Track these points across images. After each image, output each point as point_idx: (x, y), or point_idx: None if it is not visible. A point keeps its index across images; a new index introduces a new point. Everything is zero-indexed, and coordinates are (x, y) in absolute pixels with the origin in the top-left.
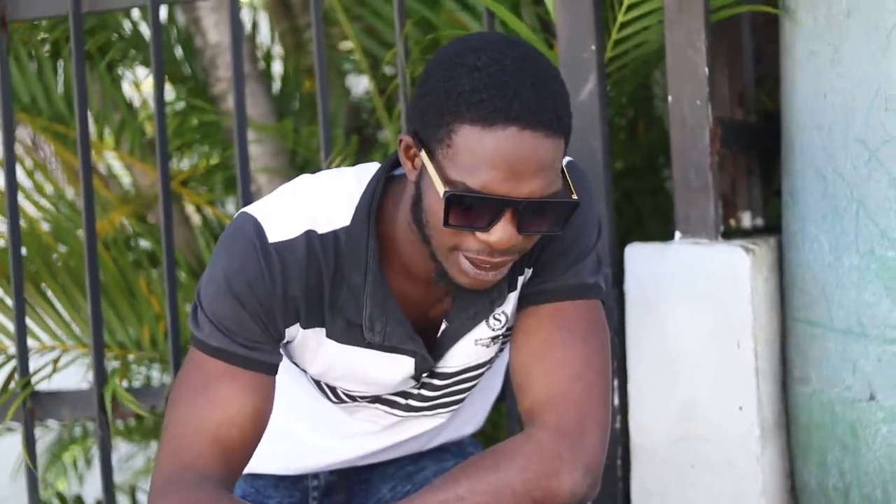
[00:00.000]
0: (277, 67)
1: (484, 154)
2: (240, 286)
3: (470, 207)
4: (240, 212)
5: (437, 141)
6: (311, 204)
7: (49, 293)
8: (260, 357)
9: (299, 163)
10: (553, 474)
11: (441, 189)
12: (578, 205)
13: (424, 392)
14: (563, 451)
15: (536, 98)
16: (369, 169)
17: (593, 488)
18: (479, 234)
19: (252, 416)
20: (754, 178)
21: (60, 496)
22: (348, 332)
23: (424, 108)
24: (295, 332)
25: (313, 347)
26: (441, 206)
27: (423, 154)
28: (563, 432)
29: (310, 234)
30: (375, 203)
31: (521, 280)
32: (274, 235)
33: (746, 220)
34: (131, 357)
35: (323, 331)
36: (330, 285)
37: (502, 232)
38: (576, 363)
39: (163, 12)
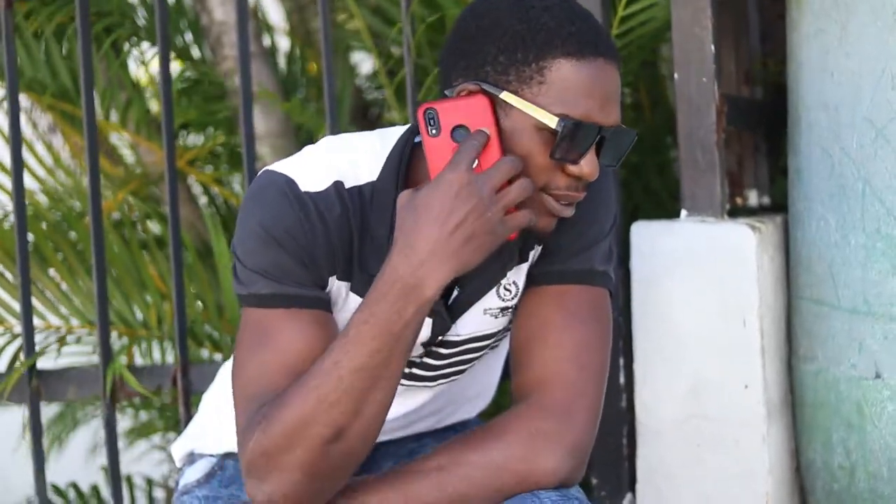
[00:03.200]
0: (284, 45)
1: (582, 84)
2: (279, 233)
3: (573, 140)
4: (264, 169)
5: (522, 81)
6: (337, 159)
7: (53, 272)
8: (314, 293)
9: (304, 141)
10: (535, 451)
11: (551, 121)
12: (638, 135)
13: (428, 360)
14: (547, 429)
15: (606, 33)
16: (393, 131)
17: (577, 471)
18: (570, 167)
19: (321, 350)
20: (761, 157)
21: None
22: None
23: (495, 51)
24: (332, 283)
25: (340, 302)
26: (541, 143)
27: (508, 95)
28: (550, 410)
29: (338, 185)
30: (405, 160)
31: (531, 255)
32: (305, 186)
33: (753, 198)
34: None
35: (348, 284)
36: (358, 237)
37: (593, 162)
38: (572, 345)
39: None
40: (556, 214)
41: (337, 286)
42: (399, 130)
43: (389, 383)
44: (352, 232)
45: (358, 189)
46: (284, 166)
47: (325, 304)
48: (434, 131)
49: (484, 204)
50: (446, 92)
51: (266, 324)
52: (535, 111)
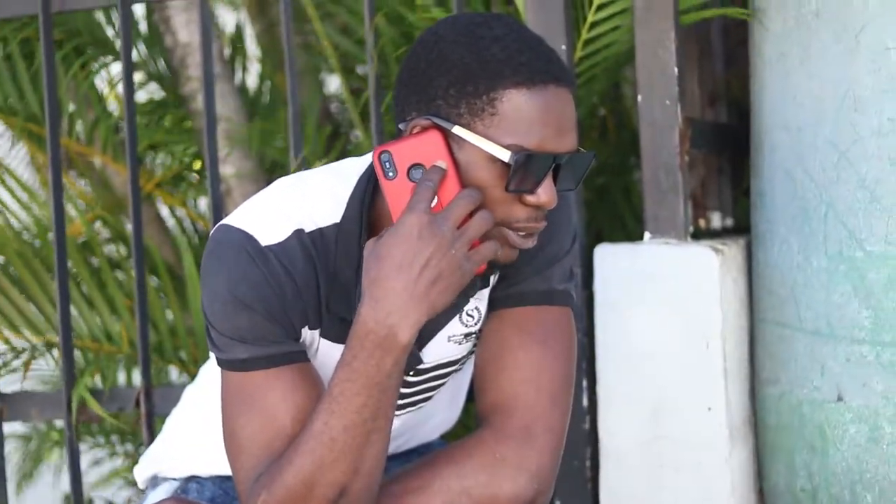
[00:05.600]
0: (252, 67)
1: (534, 113)
2: (246, 294)
3: (528, 170)
4: (219, 224)
5: (473, 113)
6: (294, 204)
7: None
8: (291, 348)
9: (268, 164)
10: (494, 477)
11: (503, 154)
12: (595, 157)
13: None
14: (506, 453)
15: (557, 58)
16: (347, 166)
17: (542, 495)
18: (528, 198)
19: (309, 404)
20: (725, 179)
21: None
22: (341, 330)
23: (445, 84)
24: (304, 333)
25: (312, 350)
26: (496, 175)
27: (460, 130)
28: (509, 434)
29: (299, 233)
30: (367, 199)
31: (492, 279)
32: (265, 240)
33: (716, 220)
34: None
35: (319, 330)
36: (325, 282)
37: (550, 190)
38: (530, 366)
39: (139, 10)
40: (518, 247)
41: (310, 335)
42: (354, 164)
43: (381, 435)
44: (317, 278)
45: (320, 232)
46: (241, 220)
47: (302, 356)
48: (391, 174)
49: (447, 242)
50: (400, 126)
51: (249, 388)
52: (486, 144)
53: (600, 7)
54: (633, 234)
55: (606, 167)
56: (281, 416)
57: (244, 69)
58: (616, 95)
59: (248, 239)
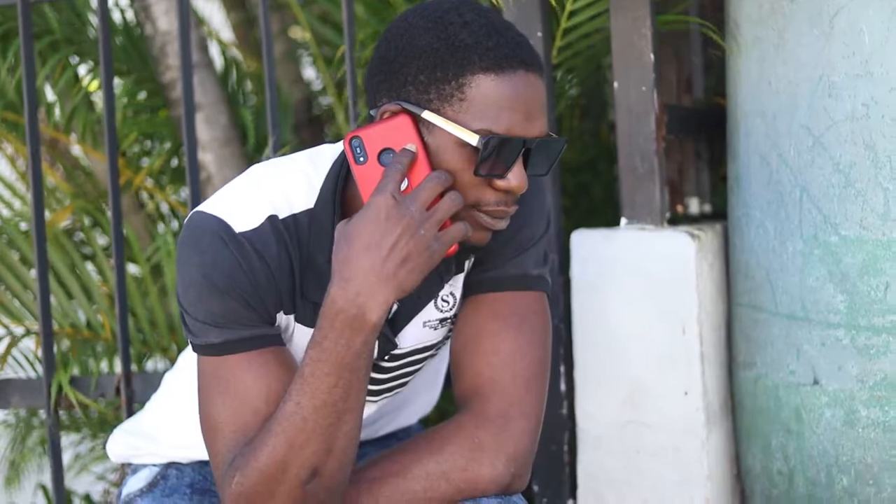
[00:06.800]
0: (232, 55)
1: (503, 98)
2: (220, 280)
3: (497, 155)
4: (194, 211)
5: (443, 99)
6: (268, 191)
7: None
8: (265, 332)
9: (250, 152)
10: (472, 461)
11: (472, 139)
12: (567, 142)
13: (374, 375)
14: (484, 438)
15: (527, 43)
16: (322, 152)
17: (518, 478)
18: (498, 182)
19: (284, 388)
20: (702, 164)
21: None
22: (315, 315)
23: (414, 70)
24: (280, 317)
25: (288, 335)
26: (465, 159)
27: (430, 115)
28: (486, 419)
29: (273, 219)
30: (340, 184)
31: (467, 265)
32: (239, 226)
33: (694, 206)
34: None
35: (293, 315)
36: (298, 268)
37: (521, 175)
38: (506, 351)
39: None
40: (490, 228)
41: (285, 319)
42: (329, 151)
43: (353, 415)
44: (291, 264)
45: (293, 218)
46: (215, 207)
47: (277, 339)
48: (362, 159)
49: (416, 222)
50: (372, 113)
51: (224, 371)
52: (455, 129)
53: None
54: (614, 223)
55: (591, 159)
56: (255, 399)
57: (225, 59)
58: (597, 85)
59: (222, 225)
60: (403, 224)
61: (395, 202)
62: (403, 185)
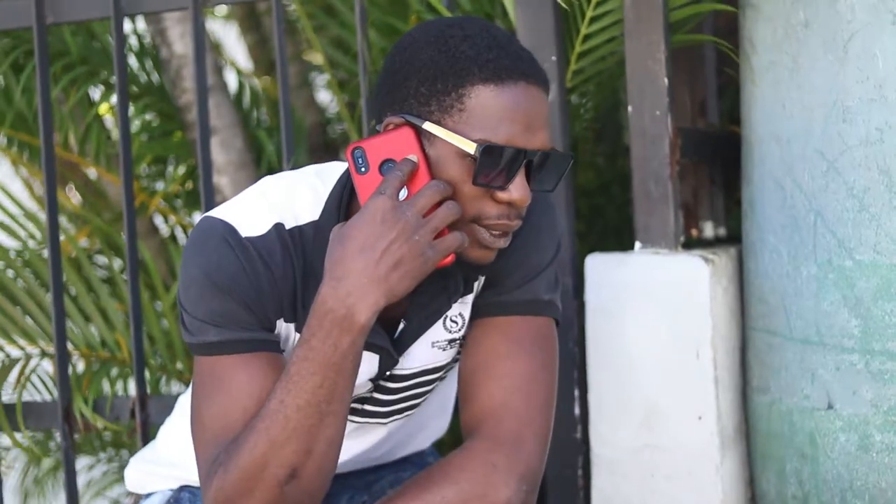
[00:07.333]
0: (251, 80)
1: (502, 109)
2: (223, 280)
3: (496, 165)
4: (203, 216)
5: (443, 110)
6: (276, 201)
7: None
8: (262, 336)
9: (266, 172)
10: (489, 484)
11: (470, 148)
12: (574, 159)
13: (379, 395)
14: (498, 460)
15: (529, 56)
16: (330, 167)
17: (531, 495)
18: (499, 194)
19: None
20: (716, 189)
21: None
22: None
23: (416, 83)
24: (279, 325)
25: (288, 344)
26: (465, 170)
27: (430, 126)
28: (500, 442)
29: (279, 228)
30: (345, 198)
31: (476, 286)
32: (245, 231)
33: (708, 230)
34: (98, 365)
35: (294, 325)
36: (301, 278)
37: (522, 187)
38: (518, 375)
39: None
40: (490, 247)
41: (284, 328)
42: (338, 166)
43: (336, 419)
44: (294, 273)
45: (299, 229)
46: (224, 212)
47: (274, 346)
48: (363, 169)
49: (410, 228)
50: (377, 127)
51: (218, 371)
52: (454, 138)
53: (593, 19)
54: (629, 247)
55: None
56: (245, 399)
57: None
58: (613, 107)
59: (229, 229)
60: (398, 228)
61: (392, 206)
62: (403, 195)
